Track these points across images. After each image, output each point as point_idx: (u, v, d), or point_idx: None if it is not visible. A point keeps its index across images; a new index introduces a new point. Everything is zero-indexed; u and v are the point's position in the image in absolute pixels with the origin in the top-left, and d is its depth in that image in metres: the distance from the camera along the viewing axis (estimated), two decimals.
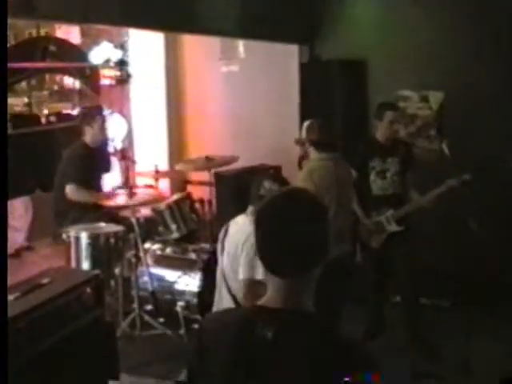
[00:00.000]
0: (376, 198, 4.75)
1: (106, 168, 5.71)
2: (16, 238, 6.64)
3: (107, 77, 7.71)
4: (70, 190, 5.13)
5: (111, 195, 5.32)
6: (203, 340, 1.74)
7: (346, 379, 1.49)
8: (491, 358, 4.37)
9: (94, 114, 5.45)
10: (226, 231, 3.50)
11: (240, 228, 3.37)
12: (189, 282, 4.88)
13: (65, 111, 7.43)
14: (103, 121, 5.46)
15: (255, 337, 1.58)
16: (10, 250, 6.17)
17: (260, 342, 1.58)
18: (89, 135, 5.32)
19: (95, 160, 5.38)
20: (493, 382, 4.05)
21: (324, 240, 1.65)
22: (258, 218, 1.68)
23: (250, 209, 3.44)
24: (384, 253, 4.75)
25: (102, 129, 5.39)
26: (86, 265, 4.55)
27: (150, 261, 5.09)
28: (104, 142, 5.62)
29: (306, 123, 4.33)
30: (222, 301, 3.38)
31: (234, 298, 3.29)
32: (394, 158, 4.70)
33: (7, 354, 1.73)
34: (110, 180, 6.21)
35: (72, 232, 4.60)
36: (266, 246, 1.64)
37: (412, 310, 4.81)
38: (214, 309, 3.45)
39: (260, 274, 2.96)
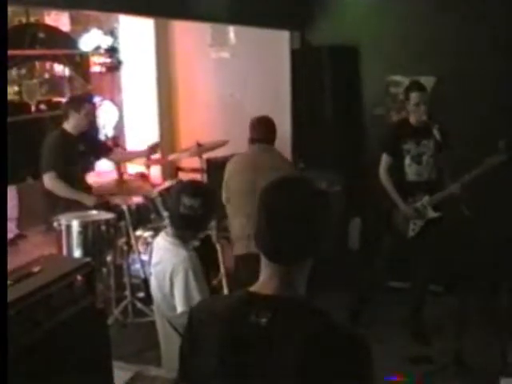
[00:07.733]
0: (410, 184, 4.66)
1: (95, 155, 5.50)
2: (10, 227, 6.62)
3: (97, 64, 7.66)
4: (48, 180, 4.96)
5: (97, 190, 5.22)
6: (195, 328, 1.73)
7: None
8: (485, 346, 4.41)
9: (82, 101, 5.26)
10: (151, 253, 3.40)
11: (163, 255, 3.22)
12: None
13: (55, 99, 7.38)
14: (91, 108, 5.27)
15: (249, 323, 1.58)
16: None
17: (254, 328, 1.57)
18: (73, 121, 5.09)
19: (77, 147, 5.14)
20: (490, 375, 4.09)
21: (323, 228, 1.64)
22: (258, 205, 1.66)
23: (169, 229, 3.30)
24: (416, 240, 4.68)
25: (88, 117, 5.18)
26: (77, 253, 4.54)
27: (141, 248, 5.09)
28: (90, 130, 5.41)
29: None
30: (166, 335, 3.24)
31: (171, 324, 3.15)
32: (429, 140, 4.59)
33: (7, 342, 1.73)
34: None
35: (63, 220, 4.58)
36: (265, 231, 1.62)
37: (421, 296, 4.83)
38: (160, 338, 3.34)
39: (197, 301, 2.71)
